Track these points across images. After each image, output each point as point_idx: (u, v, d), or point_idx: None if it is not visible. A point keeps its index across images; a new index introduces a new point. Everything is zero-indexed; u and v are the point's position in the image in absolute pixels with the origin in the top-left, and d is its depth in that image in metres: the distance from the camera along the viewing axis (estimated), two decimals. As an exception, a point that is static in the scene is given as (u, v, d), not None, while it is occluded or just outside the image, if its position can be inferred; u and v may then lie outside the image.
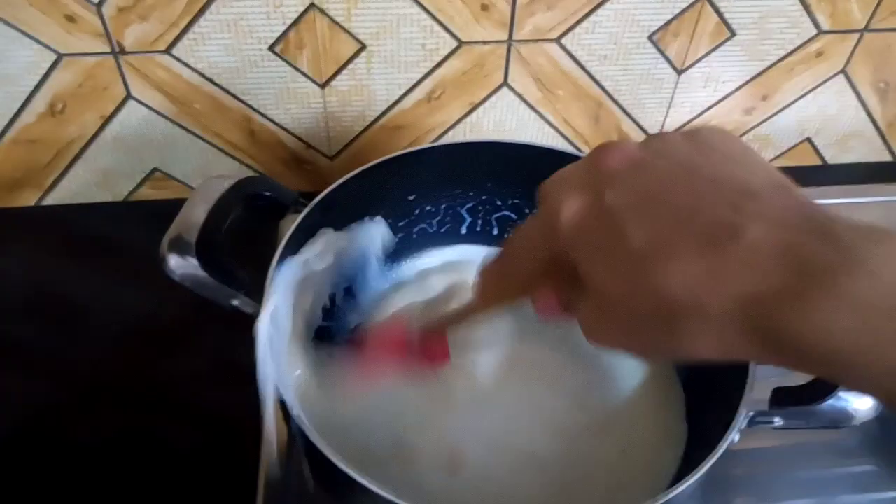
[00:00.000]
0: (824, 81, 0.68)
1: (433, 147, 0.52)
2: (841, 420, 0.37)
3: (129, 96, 0.60)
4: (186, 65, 0.59)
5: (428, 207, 0.55)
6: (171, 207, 0.43)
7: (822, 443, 0.52)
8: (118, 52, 0.57)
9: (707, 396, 0.43)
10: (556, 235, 0.27)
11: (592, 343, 0.28)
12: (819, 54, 0.65)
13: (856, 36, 0.65)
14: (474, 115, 0.66)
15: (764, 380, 0.38)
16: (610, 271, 0.26)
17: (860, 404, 0.37)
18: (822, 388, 0.37)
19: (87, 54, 0.57)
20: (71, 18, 0.54)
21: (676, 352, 0.25)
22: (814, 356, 0.22)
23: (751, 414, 0.37)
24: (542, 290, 0.32)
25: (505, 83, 0.64)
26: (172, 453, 0.51)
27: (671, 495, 0.33)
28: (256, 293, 0.41)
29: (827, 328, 0.21)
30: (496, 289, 0.34)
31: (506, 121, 0.67)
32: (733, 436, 0.36)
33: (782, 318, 0.22)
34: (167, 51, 0.57)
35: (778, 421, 0.38)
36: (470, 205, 0.56)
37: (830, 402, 0.37)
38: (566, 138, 0.70)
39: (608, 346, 0.28)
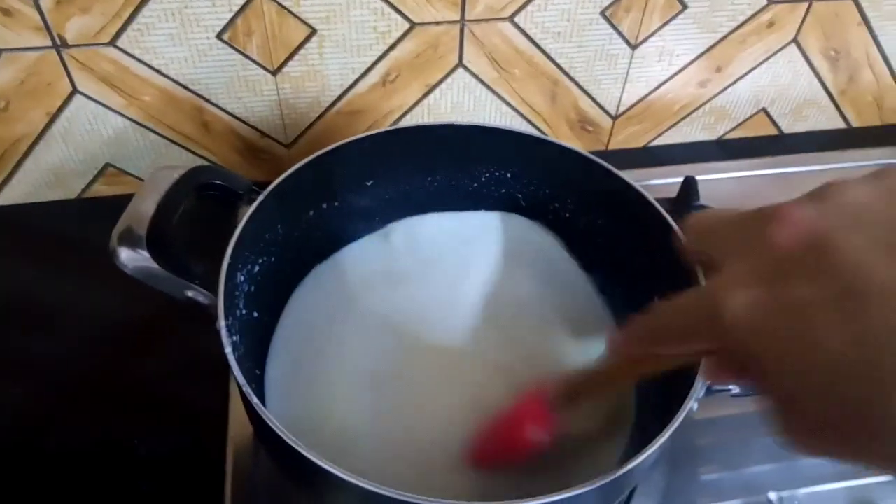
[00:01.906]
0: (777, 51, 0.69)
1: (389, 131, 0.51)
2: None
3: (75, 91, 0.59)
4: (133, 56, 0.57)
5: (387, 192, 0.54)
6: (126, 203, 0.42)
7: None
8: (60, 45, 0.55)
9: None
10: (722, 331, 0.23)
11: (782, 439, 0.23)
12: (770, 24, 0.66)
13: (805, 5, 0.65)
14: (431, 97, 0.66)
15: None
16: (802, 378, 0.21)
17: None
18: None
19: (27, 49, 0.55)
20: (7, 12, 0.52)
21: (863, 464, 0.21)
22: None
23: (707, 383, 0.38)
24: (709, 362, 0.28)
25: (460, 64, 0.64)
26: (141, 450, 0.50)
27: (631, 465, 0.33)
28: (211, 284, 0.41)
29: None
30: (644, 359, 0.31)
31: (463, 102, 0.67)
32: (692, 405, 0.36)
33: None
34: (111, 43, 0.56)
35: (734, 388, 0.38)
36: (431, 188, 0.55)
37: (785, 367, 0.37)
38: (524, 117, 0.69)
39: (798, 447, 0.23)
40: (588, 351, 0.48)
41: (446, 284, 0.51)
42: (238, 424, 0.50)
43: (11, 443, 0.51)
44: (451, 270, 0.52)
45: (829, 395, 0.21)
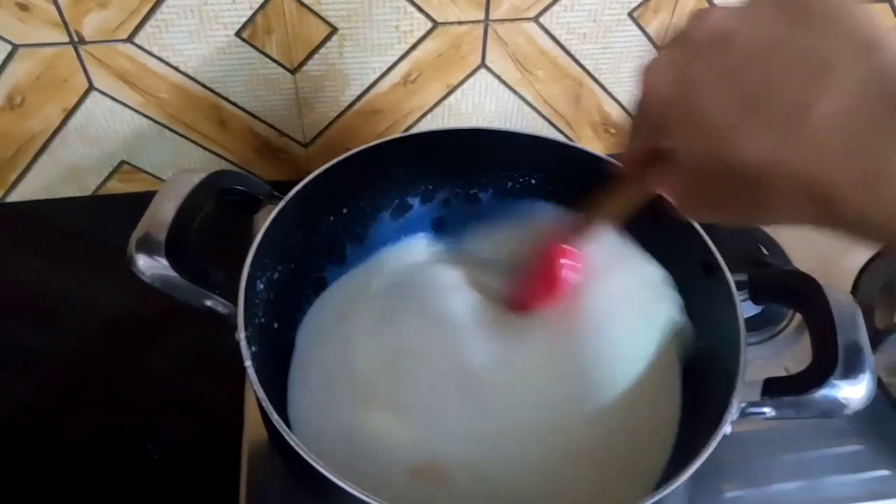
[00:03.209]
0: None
1: (409, 135, 0.51)
2: (833, 409, 0.36)
3: (91, 87, 0.58)
4: (150, 53, 0.56)
5: (409, 197, 0.53)
6: (142, 200, 0.42)
7: (810, 425, 0.52)
8: (77, 41, 0.54)
9: (703, 385, 0.42)
10: (652, 110, 0.29)
11: (685, 214, 0.31)
12: (801, 27, 0.64)
13: (838, 8, 0.63)
14: (452, 97, 0.65)
15: (756, 370, 0.37)
16: (692, 143, 0.28)
17: (852, 393, 0.36)
18: (814, 378, 0.37)
19: (44, 44, 0.54)
20: (24, 7, 0.51)
21: (755, 219, 0.29)
22: (873, 234, 0.25)
23: (742, 405, 0.37)
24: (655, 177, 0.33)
25: (483, 64, 0.62)
26: (153, 447, 0.50)
27: (660, 496, 0.32)
28: (230, 293, 0.40)
29: (883, 216, 0.24)
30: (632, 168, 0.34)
31: (485, 103, 0.66)
32: (725, 428, 0.35)
33: (843, 202, 0.24)
34: (129, 39, 0.55)
35: (770, 412, 0.37)
36: (454, 194, 0.54)
37: (823, 392, 0.36)
38: (546, 119, 0.68)
39: (697, 216, 0.30)
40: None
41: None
42: (253, 424, 0.49)
43: (26, 439, 0.51)
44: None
45: (708, 154, 0.27)
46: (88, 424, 0.51)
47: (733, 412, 0.35)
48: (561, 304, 0.45)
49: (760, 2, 0.28)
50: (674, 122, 0.28)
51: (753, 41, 0.27)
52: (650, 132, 0.31)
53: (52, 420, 0.52)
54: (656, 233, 0.47)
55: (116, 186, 0.66)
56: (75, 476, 0.49)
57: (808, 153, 0.25)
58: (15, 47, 0.54)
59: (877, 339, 0.55)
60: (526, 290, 0.46)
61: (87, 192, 0.66)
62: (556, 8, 0.59)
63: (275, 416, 0.34)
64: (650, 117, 0.30)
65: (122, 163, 0.64)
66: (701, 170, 0.28)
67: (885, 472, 0.50)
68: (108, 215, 0.64)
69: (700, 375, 0.44)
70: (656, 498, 0.32)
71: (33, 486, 0.48)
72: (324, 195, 0.47)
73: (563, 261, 0.44)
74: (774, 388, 0.37)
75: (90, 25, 0.54)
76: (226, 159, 0.65)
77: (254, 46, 0.57)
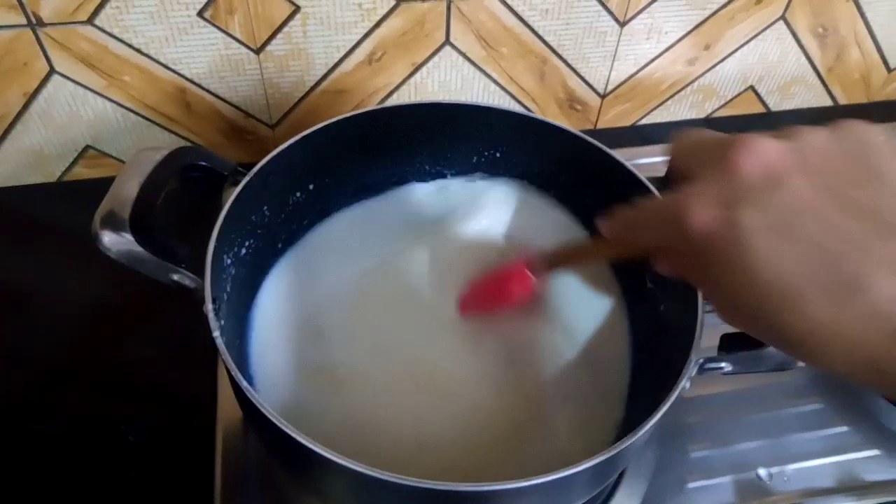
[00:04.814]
0: (765, 28, 0.68)
1: (375, 110, 0.50)
2: (787, 362, 0.38)
3: (52, 71, 0.57)
4: (111, 35, 0.56)
5: (375, 173, 0.54)
6: (108, 186, 0.41)
7: (771, 385, 0.53)
8: (35, 23, 0.54)
9: (665, 347, 0.43)
10: (682, 238, 0.27)
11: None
12: (758, 1, 0.65)
13: (794, -19, 0.65)
14: (418, 75, 0.65)
15: (712, 327, 0.38)
16: (731, 292, 0.26)
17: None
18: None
19: (0, 27, 0.53)
20: (-21, -11, 0.51)
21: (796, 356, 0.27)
22: None
23: (700, 361, 0.38)
24: (661, 259, 0.32)
25: (447, 42, 0.63)
26: (129, 435, 0.50)
27: (624, 445, 0.33)
28: (198, 267, 0.40)
29: None
30: (620, 242, 0.34)
31: (450, 81, 0.66)
32: (684, 383, 0.36)
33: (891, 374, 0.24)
34: (89, 21, 0.54)
35: (727, 366, 0.38)
36: (419, 168, 0.55)
37: (777, 345, 0.37)
38: (513, 96, 0.69)
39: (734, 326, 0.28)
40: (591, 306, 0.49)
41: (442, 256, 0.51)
42: (227, 407, 0.49)
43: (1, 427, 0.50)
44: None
45: (749, 308, 0.26)
46: (60, 415, 0.51)
47: (691, 368, 0.36)
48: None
49: (813, 137, 0.26)
50: (711, 263, 0.26)
51: (807, 190, 0.25)
52: (671, 251, 0.30)
53: (26, 409, 0.52)
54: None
55: (82, 172, 0.65)
56: (52, 466, 0.48)
57: (860, 331, 0.23)
58: (-28, 31, 0.53)
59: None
60: (480, 298, 0.47)
61: (53, 179, 0.65)
62: (517, -16, 0.60)
63: (244, 384, 0.35)
64: (680, 242, 0.27)
65: (88, 148, 0.63)
66: (736, 313, 0.27)
67: (843, 429, 0.52)
68: (74, 201, 0.63)
69: (662, 338, 0.45)
70: (615, 451, 0.33)
71: (9, 478, 0.48)
72: (289, 171, 0.47)
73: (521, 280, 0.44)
74: (731, 344, 0.39)
75: (48, 7, 0.53)
76: (192, 142, 0.65)
77: (217, 26, 0.57)
